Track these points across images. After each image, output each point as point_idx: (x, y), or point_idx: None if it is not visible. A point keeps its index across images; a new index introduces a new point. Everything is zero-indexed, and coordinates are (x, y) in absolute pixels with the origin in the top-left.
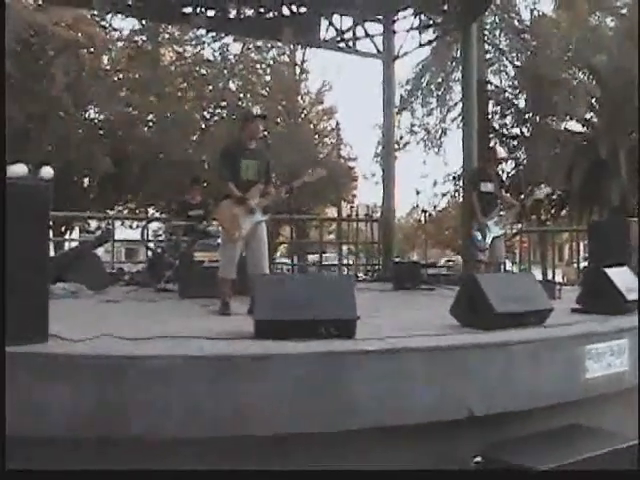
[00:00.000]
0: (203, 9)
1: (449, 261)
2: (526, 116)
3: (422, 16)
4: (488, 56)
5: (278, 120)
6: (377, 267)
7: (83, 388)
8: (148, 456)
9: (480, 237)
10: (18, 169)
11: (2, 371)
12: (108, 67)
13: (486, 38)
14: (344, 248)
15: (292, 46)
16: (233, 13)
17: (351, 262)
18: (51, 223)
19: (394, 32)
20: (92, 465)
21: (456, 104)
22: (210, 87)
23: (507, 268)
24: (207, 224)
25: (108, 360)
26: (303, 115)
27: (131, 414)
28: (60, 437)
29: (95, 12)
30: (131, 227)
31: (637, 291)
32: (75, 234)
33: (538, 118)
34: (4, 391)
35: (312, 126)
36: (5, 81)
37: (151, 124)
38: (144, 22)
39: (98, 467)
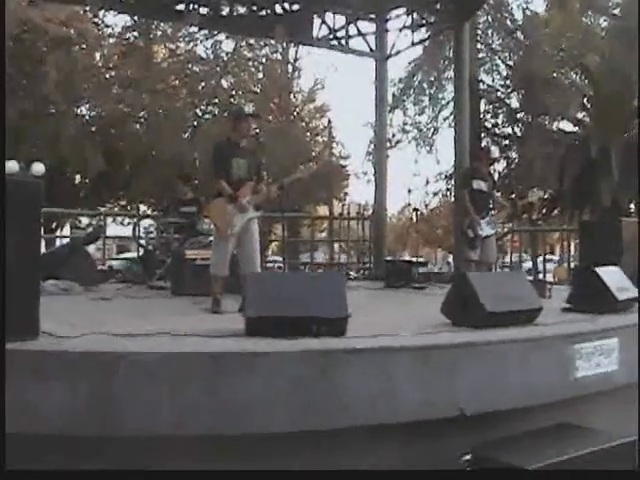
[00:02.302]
0: (196, 6)
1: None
2: (518, 115)
3: (415, 15)
4: (480, 55)
5: (270, 118)
6: (368, 265)
7: (75, 385)
8: (143, 454)
9: (472, 235)
10: (9, 166)
11: (2, 371)
12: (100, 64)
13: (478, 37)
14: (336, 246)
15: (285, 44)
16: (226, 10)
17: (342, 260)
18: (42, 220)
19: (387, 31)
20: (88, 463)
21: (448, 103)
22: (202, 84)
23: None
24: (198, 221)
25: (100, 357)
26: (295, 113)
27: (124, 412)
28: (54, 434)
29: (88, 8)
30: (122, 224)
31: (628, 290)
32: (66, 231)
33: (530, 117)
34: (4, 391)
35: (304, 124)
36: (5, 81)
37: (143, 121)
38: (137, 19)
39: (94, 465)
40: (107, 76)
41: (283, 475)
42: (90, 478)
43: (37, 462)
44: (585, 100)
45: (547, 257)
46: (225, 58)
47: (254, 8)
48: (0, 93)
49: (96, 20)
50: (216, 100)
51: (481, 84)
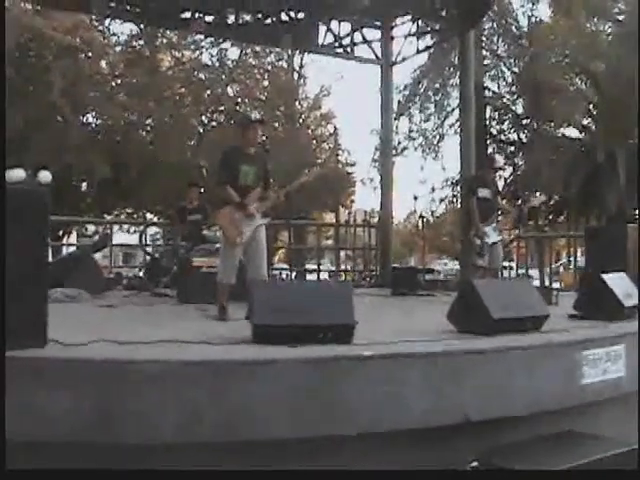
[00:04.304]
0: (201, 14)
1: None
2: (524, 122)
3: (420, 22)
4: (486, 62)
5: (276, 125)
6: (375, 273)
7: (81, 393)
8: (146, 460)
9: (479, 243)
10: (16, 174)
11: (2, 372)
12: (106, 72)
13: (484, 44)
14: (342, 254)
15: (290, 51)
16: (231, 18)
17: (349, 267)
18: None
19: (392, 38)
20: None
21: (454, 110)
22: (208, 92)
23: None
24: (205, 228)
25: (106, 365)
26: (301, 120)
27: (129, 419)
28: (59, 441)
29: (94, 17)
30: (129, 232)
31: (634, 297)
32: (73, 239)
33: (536, 124)
34: (4, 391)
35: (310, 131)
36: (5, 83)
37: (149, 129)
38: (142, 27)
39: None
40: (113, 84)
41: (283, 475)
42: (90, 478)
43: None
44: (591, 106)
45: (554, 263)
46: (231, 66)
47: (259, 16)
48: (0, 97)
49: (102, 28)
50: (222, 108)
51: (487, 91)
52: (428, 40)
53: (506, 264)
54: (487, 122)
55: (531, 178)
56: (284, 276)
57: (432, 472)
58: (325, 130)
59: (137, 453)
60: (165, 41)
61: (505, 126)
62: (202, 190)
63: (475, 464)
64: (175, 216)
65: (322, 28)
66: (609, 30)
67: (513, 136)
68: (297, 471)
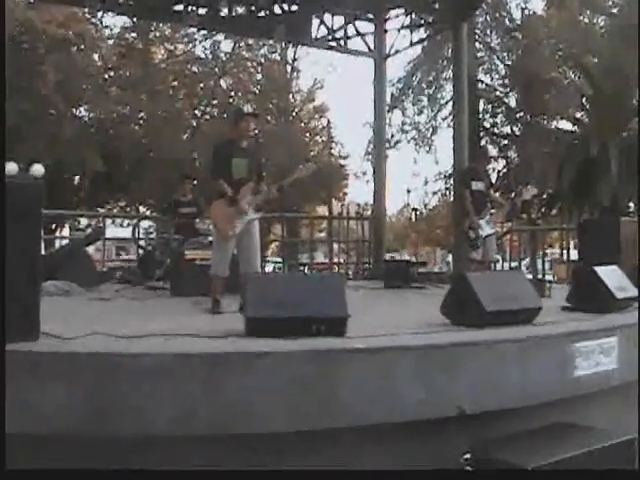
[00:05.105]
0: (194, 7)
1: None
2: (517, 115)
3: (413, 15)
4: (479, 55)
5: (269, 118)
6: (368, 265)
7: (74, 386)
8: (142, 455)
9: (473, 235)
10: (8, 167)
11: (2, 371)
12: (99, 65)
13: (477, 37)
14: (335, 246)
15: (283, 44)
16: (224, 11)
17: (342, 260)
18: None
19: (385, 31)
20: (86, 463)
21: (447, 103)
22: (201, 85)
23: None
24: (198, 221)
25: (100, 358)
26: (294, 113)
27: (123, 412)
28: (53, 435)
29: (86, 9)
30: (122, 225)
31: (627, 289)
32: (66, 232)
33: (529, 117)
34: (4, 391)
35: (303, 124)
36: (5, 81)
37: (142, 122)
38: (135, 20)
39: (92, 465)
40: (106, 77)
41: (282, 475)
42: (90, 478)
43: (37, 462)
44: (584, 99)
45: (546, 254)
46: (224, 58)
47: (253, 8)
48: (0, 94)
49: (94, 21)
50: (215, 101)
51: (480, 84)
52: (421, 33)
53: (499, 257)
54: (480, 115)
55: (524, 171)
56: (277, 269)
57: (430, 472)
58: (318, 123)
59: (132, 447)
60: (158, 34)
61: (498, 119)
62: (195, 183)
63: (468, 456)
64: (169, 208)
65: (315, 21)
66: (602, 23)
67: (506, 129)
68: (296, 471)
